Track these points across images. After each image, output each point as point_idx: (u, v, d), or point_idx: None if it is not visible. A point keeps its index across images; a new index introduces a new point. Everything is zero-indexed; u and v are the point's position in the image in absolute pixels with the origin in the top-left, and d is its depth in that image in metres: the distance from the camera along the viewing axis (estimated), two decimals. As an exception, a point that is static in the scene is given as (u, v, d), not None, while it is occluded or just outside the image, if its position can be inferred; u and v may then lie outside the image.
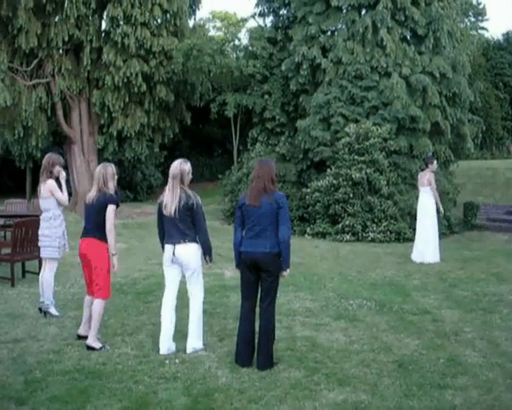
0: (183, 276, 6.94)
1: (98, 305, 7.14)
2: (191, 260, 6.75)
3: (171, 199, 6.66)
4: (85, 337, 7.27)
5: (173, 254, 6.75)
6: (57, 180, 8.69)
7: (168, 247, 6.81)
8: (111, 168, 7.31)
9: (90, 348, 6.98)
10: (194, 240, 6.73)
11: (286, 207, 6.37)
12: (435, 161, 13.52)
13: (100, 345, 7.03)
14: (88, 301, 7.48)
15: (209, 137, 35.61)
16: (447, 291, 10.20)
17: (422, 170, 13.61)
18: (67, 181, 8.90)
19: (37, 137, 23.67)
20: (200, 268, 6.86)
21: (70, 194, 24.68)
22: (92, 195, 7.21)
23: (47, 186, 8.52)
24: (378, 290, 10.23)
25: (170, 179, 6.73)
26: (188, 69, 23.56)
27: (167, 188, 6.77)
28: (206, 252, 6.78)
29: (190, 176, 6.85)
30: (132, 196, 30.23)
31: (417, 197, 13.81)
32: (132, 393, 5.69)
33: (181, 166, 6.73)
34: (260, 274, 6.42)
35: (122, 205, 19.47)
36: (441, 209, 13.31)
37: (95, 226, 7.20)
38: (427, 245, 13.24)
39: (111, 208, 7.13)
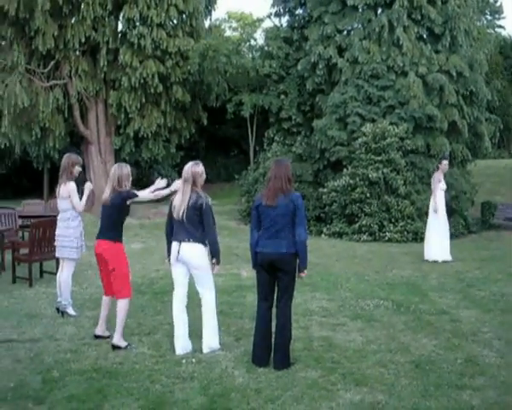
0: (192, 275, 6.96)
1: (123, 305, 7.15)
2: (194, 259, 6.74)
3: (180, 201, 6.69)
4: (103, 337, 7.31)
5: (178, 252, 6.76)
6: (77, 184, 8.71)
7: (174, 244, 6.82)
8: (126, 169, 7.31)
9: (116, 347, 6.99)
10: (200, 241, 6.71)
11: (302, 208, 6.36)
12: (444, 161, 13.51)
13: (126, 343, 7.06)
14: (105, 301, 7.51)
15: (225, 138, 35.61)
16: (464, 291, 10.15)
17: (438, 169, 13.60)
18: (84, 181, 8.95)
19: (54, 138, 23.80)
20: (206, 269, 6.83)
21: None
22: (107, 195, 7.23)
23: (67, 188, 8.53)
24: (395, 290, 10.19)
25: (182, 182, 6.76)
26: (204, 70, 23.61)
27: (179, 189, 6.80)
28: (214, 254, 6.76)
29: (204, 177, 6.86)
30: (149, 196, 30.31)
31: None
32: (149, 392, 5.70)
33: (192, 168, 6.74)
34: (277, 274, 6.41)
35: (139, 205, 19.52)
36: (436, 208, 13.30)
37: (109, 227, 7.23)
38: (432, 246, 13.27)
39: (139, 195, 7.35)
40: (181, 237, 6.73)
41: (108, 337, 7.34)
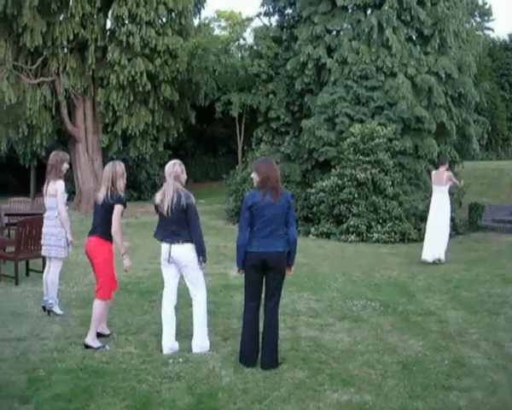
0: (182, 276, 6.93)
1: (97, 306, 7.10)
2: (186, 260, 6.74)
3: (163, 198, 6.69)
4: (103, 335, 7.27)
5: (169, 254, 6.75)
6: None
7: (164, 246, 6.81)
8: (120, 167, 7.26)
9: (87, 346, 6.96)
10: (189, 240, 6.71)
11: (293, 207, 6.46)
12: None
13: (98, 344, 7.00)
14: None
15: (214, 137, 35.61)
16: (452, 292, 10.17)
17: (437, 168, 13.66)
18: (71, 179, 8.86)
19: (41, 135, 23.67)
20: (197, 268, 6.82)
21: (74, 192, 24.84)
22: (101, 194, 7.17)
23: (55, 185, 8.46)
24: (382, 291, 10.21)
25: (166, 177, 6.77)
26: (192, 68, 23.56)
27: (162, 188, 6.79)
28: (199, 252, 6.74)
29: (185, 176, 6.88)
30: (136, 195, 30.21)
31: (423, 198, 13.76)
32: (136, 392, 5.68)
33: (174, 167, 6.77)
34: (268, 273, 6.39)
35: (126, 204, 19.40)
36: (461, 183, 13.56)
37: (100, 225, 7.17)
38: (441, 243, 13.23)
39: (118, 209, 7.07)
40: (170, 239, 6.72)
41: (109, 335, 7.36)
